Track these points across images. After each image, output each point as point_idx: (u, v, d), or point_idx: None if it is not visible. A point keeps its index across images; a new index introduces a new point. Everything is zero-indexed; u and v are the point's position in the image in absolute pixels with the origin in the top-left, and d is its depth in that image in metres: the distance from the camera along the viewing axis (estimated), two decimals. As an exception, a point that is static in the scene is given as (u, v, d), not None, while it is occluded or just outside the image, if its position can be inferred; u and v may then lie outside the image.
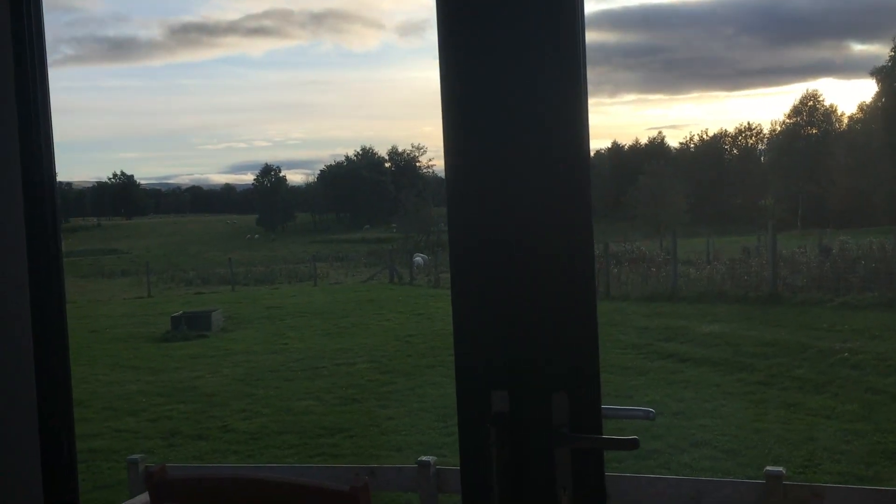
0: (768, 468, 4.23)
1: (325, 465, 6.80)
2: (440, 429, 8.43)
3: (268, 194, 53.56)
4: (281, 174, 55.88)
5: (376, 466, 5.76)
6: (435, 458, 5.23)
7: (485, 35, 1.52)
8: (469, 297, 1.59)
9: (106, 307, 20.41)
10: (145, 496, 4.15)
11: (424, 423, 8.68)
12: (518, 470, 1.53)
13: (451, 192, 1.59)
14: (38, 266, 1.85)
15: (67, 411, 1.96)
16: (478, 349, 1.58)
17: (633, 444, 1.43)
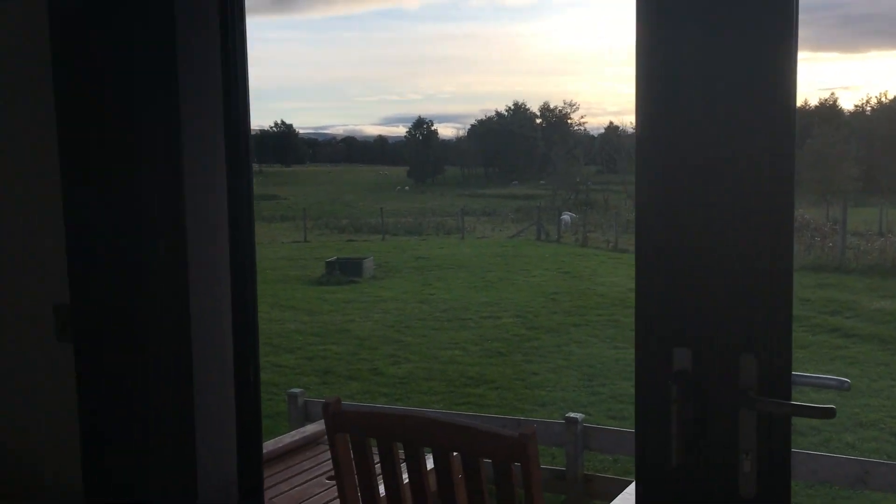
0: (946, 456, 3.95)
1: (473, 413, 6.95)
2: (585, 387, 8.40)
3: (419, 147, 54.42)
4: (433, 128, 56.64)
5: (522, 419, 5.83)
6: (583, 415, 5.23)
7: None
8: (653, 250, 1.55)
9: (267, 249, 21.50)
10: (312, 426, 4.40)
11: (569, 381, 8.67)
12: (698, 430, 1.49)
13: (641, 141, 1.54)
14: (235, 207, 1.95)
15: (254, 344, 2.08)
16: (660, 305, 1.55)
17: (828, 413, 1.36)
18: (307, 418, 5.60)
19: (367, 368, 9.44)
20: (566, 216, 26.67)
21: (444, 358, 9.81)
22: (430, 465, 2.10)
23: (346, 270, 16.25)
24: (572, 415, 5.16)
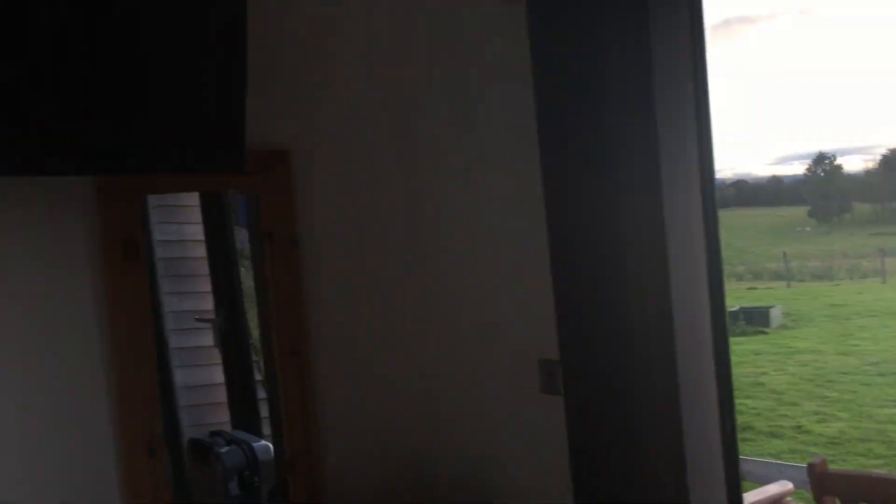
0: None
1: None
2: None
3: (821, 184, 50.09)
4: (836, 162, 51.85)
5: None
6: None
7: None
8: None
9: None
10: (774, 486, 4.20)
11: None
12: None
13: None
14: (711, 262, 1.95)
15: (731, 400, 2.04)
16: None
17: None
18: (743, 476, 5.39)
19: (790, 426, 8.77)
20: None
21: (882, 417, 8.73)
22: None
23: (752, 320, 15.45)
24: None
